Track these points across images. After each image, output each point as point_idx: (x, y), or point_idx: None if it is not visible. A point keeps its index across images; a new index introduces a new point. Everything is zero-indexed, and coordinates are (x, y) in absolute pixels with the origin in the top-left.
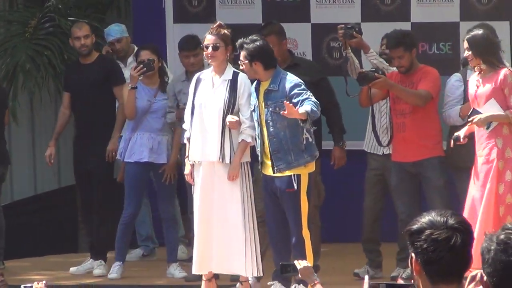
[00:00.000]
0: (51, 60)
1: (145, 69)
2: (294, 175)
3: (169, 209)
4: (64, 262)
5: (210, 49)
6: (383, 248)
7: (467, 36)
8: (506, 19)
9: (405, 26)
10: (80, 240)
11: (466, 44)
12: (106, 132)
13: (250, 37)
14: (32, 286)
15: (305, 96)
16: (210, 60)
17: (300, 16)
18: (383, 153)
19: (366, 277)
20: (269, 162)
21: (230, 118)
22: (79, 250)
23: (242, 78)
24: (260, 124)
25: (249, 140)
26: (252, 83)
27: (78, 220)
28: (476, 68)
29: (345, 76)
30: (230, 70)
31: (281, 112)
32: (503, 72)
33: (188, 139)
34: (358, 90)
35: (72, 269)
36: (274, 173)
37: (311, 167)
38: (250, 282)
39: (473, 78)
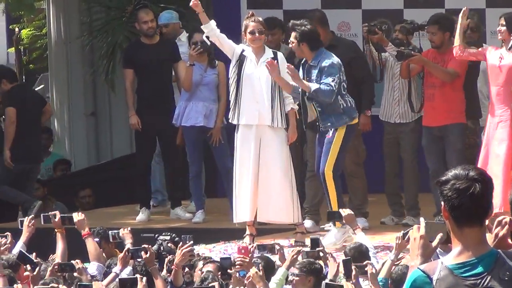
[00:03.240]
0: None
1: (202, 49)
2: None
3: (226, 163)
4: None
5: (257, 33)
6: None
7: (505, 15)
8: None
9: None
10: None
11: (502, 21)
12: (168, 101)
13: (300, 21)
14: (118, 232)
15: (326, 80)
16: (255, 43)
17: (353, 3)
18: (395, 121)
19: (422, 219)
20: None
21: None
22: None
23: (281, 56)
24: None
25: (296, 107)
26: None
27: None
28: (504, 43)
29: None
30: (268, 50)
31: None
32: None
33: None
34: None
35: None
36: (319, 130)
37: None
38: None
39: (495, 52)
